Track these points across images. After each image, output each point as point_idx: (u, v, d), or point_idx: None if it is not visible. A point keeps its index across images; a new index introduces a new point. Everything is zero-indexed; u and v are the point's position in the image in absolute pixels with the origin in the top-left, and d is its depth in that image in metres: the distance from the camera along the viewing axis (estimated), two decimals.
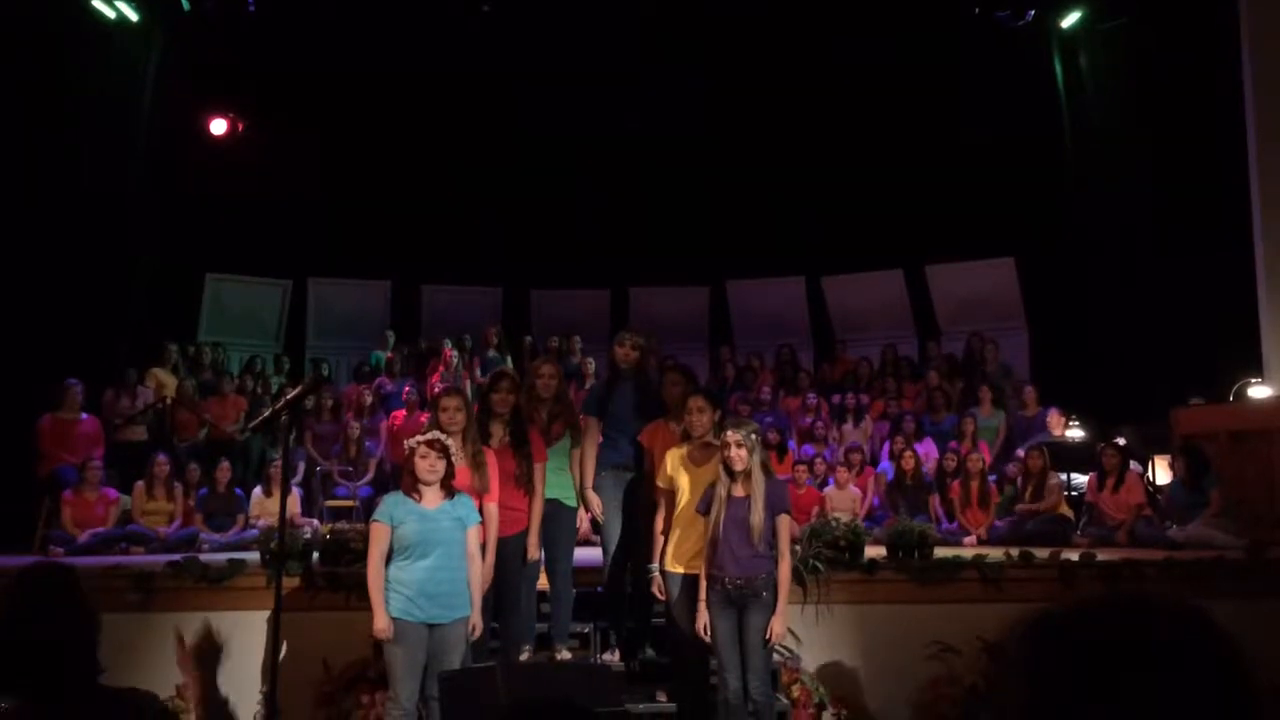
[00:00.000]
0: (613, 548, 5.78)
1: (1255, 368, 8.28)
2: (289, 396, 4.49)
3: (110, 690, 2.09)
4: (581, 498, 5.79)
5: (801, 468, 8.89)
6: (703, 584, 4.89)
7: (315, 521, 8.36)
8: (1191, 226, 9.30)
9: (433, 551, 4.68)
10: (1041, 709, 1.09)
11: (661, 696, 5.55)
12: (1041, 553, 6.34)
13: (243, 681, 5.87)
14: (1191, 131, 9.48)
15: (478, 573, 4.89)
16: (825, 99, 11.70)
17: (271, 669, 4.33)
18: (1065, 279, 11.23)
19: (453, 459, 4.83)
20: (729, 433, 4.81)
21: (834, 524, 6.36)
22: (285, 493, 4.50)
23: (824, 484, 8.99)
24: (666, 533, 5.19)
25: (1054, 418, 9.30)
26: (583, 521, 5.88)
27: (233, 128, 12.16)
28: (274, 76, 11.54)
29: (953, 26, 11.21)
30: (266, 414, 4.88)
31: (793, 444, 9.75)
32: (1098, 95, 10.95)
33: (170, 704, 5.76)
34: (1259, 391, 8.23)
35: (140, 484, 8.40)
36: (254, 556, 6.33)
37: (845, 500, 8.62)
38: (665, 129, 12.09)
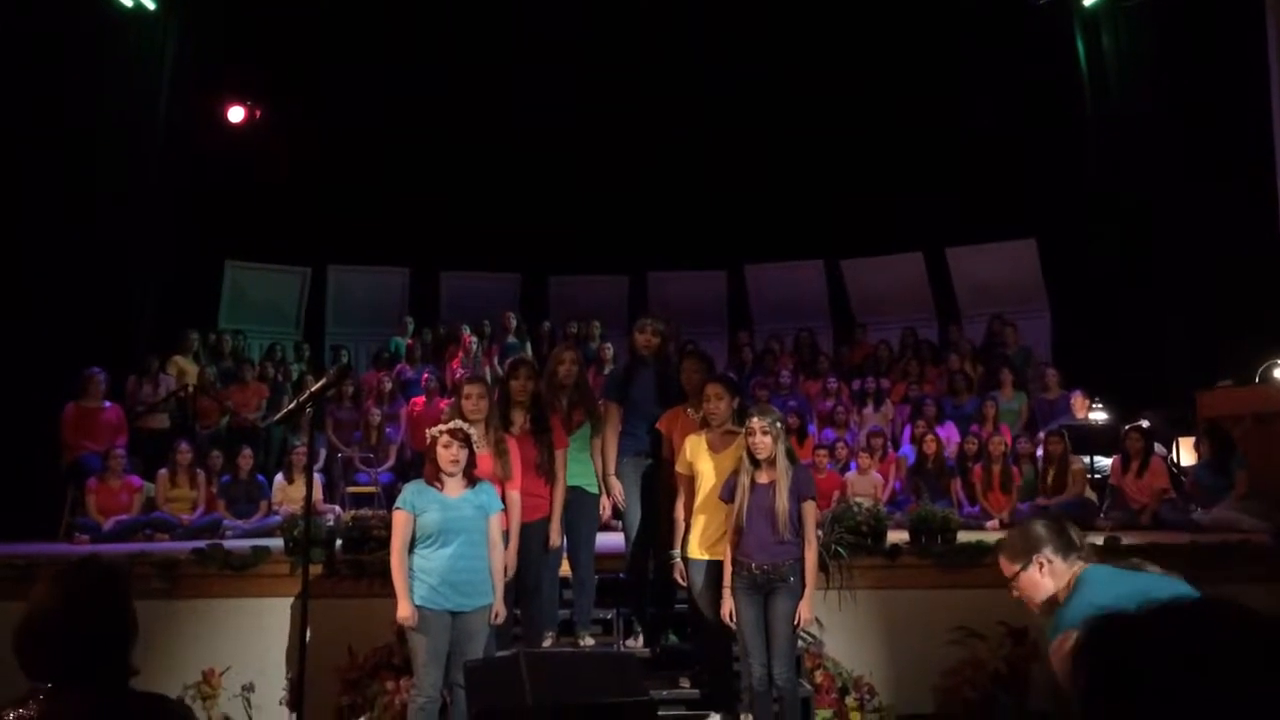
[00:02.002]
0: (634, 534, 5.79)
1: None
2: (314, 388, 4.49)
3: (138, 693, 2.10)
4: (604, 483, 5.78)
5: (822, 452, 8.83)
6: (727, 570, 4.88)
7: (337, 508, 8.41)
8: (1216, 207, 9.18)
9: (455, 540, 4.69)
10: (1100, 710, 1.08)
11: (685, 683, 5.55)
12: None
13: (268, 668, 5.92)
14: (1216, 110, 9.35)
15: (499, 560, 4.90)
16: (844, 80, 11.59)
17: (299, 656, 4.35)
18: (1087, 261, 11.12)
19: (475, 447, 4.84)
20: (754, 420, 4.79)
21: (856, 509, 6.35)
22: (309, 481, 4.51)
23: (845, 469, 8.95)
24: (688, 519, 5.19)
25: (1077, 400, 9.24)
26: (605, 508, 5.87)
27: (250, 115, 12.16)
28: (291, 64, 11.54)
29: (974, 5, 11.08)
30: (292, 405, 4.88)
31: (813, 428, 9.71)
32: (1120, 74, 10.80)
33: (197, 689, 5.83)
34: None
35: (163, 471, 8.50)
36: (277, 543, 6.39)
37: (867, 485, 8.58)
38: (680, 112, 12.02)
